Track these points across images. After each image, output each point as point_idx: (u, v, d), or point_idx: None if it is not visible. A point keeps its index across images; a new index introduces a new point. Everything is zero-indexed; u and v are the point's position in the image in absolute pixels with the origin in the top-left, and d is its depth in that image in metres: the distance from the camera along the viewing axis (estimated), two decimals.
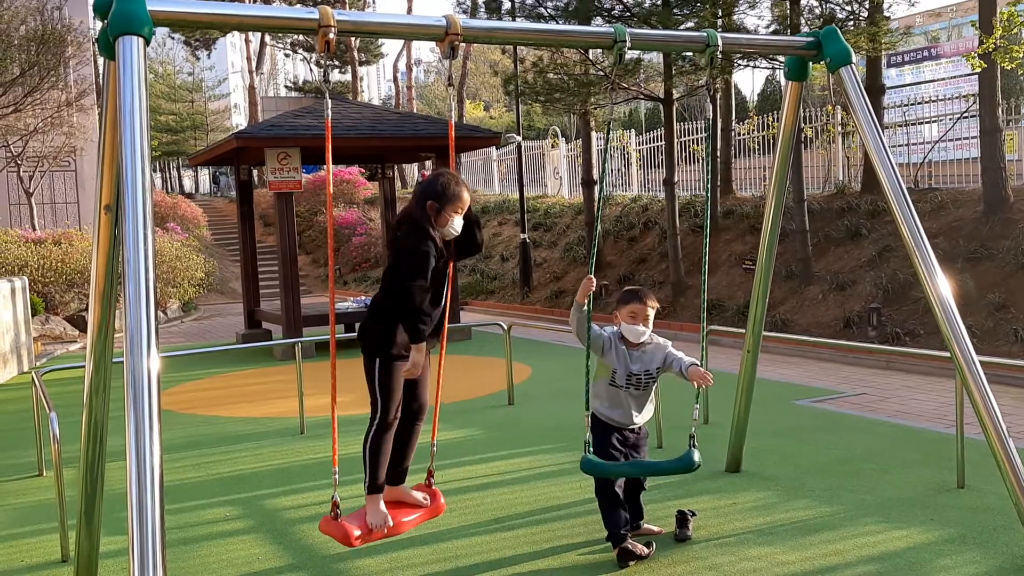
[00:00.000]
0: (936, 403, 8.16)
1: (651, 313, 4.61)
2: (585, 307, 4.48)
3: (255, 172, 22.87)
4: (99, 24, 3.47)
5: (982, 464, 5.48)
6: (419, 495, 4.35)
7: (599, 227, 4.72)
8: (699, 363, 4.51)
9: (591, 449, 4.49)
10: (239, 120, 54.28)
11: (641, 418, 4.65)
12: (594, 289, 4.45)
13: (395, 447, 4.24)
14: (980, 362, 4.58)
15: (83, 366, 4.22)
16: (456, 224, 4.15)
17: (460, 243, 4.28)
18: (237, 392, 10.15)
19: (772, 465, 6.13)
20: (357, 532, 4.00)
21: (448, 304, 4.34)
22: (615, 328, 4.68)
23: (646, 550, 4.49)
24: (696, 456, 4.38)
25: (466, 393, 9.17)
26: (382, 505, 4.14)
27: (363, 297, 16.57)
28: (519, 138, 19.93)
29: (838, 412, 7.93)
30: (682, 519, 4.88)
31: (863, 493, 5.48)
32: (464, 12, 17.01)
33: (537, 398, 8.97)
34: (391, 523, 4.09)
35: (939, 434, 6.92)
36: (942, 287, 4.59)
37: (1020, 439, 6.66)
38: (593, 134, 18.81)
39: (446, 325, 4.38)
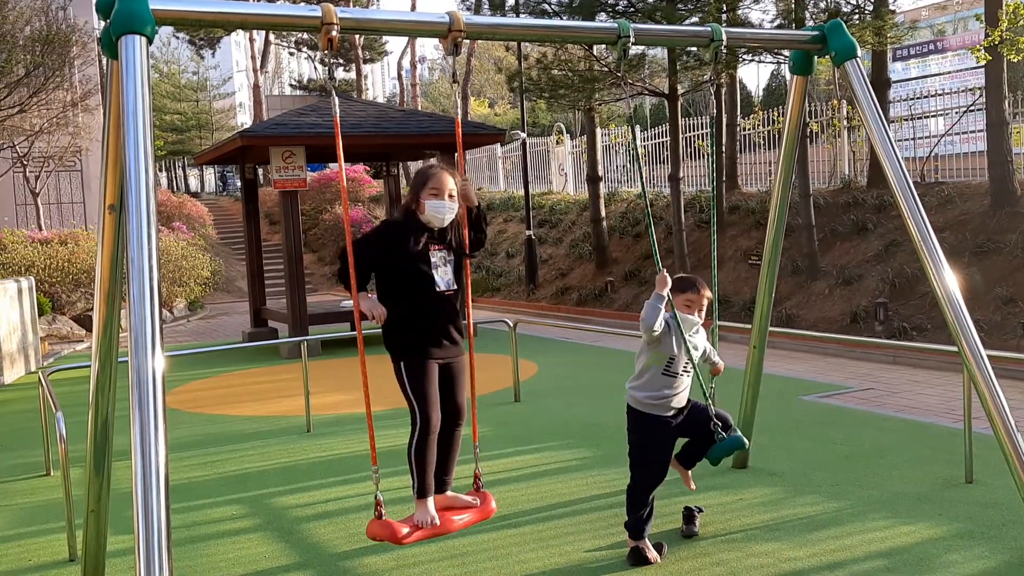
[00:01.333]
0: (944, 397, 8.13)
1: (706, 303, 4.55)
2: (666, 298, 4.39)
3: (260, 170, 22.93)
4: (103, 24, 3.47)
5: (990, 459, 5.46)
6: (468, 498, 4.30)
7: (652, 230, 4.71)
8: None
9: (722, 435, 4.46)
10: (244, 119, 54.34)
11: (686, 401, 4.56)
12: (669, 283, 4.42)
13: (445, 454, 4.21)
14: (988, 356, 4.55)
15: (89, 366, 4.23)
16: (436, 207, 4.09)
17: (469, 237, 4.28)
18: (243, 391, 10.16)
19: (779, 461, 6.12)
20: (405, 530, 3.97)
21: (467, 300, 4.31)
22: (669, 314, 4.50)
23: (659, 558, 4.45)
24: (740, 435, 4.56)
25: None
26: (431, 505, 4.10)
27: (371, 295, 16.56)
28: (523, 135, 19.90)
29: (845, 407, 7.91)
30: (689, 515, 4.88)
31: (870, 488, 5.46)
32: (468, 8, 16.99)
33: (544, 395, 8.96)
34: (438, 521, 4.05)
35: (947, 429, 6.89)
36: (949, 281, 4.56)
37: None
38: (598, 130, 18.77)
39: (470, 322, 4.29)
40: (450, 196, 4.13)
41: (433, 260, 4.12)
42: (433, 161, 4.29)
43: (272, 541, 5.04)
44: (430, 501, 4.11)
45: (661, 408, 4.48)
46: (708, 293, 4.57)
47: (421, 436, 4.05)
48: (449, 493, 4.29)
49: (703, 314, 4.56)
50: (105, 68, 3.74)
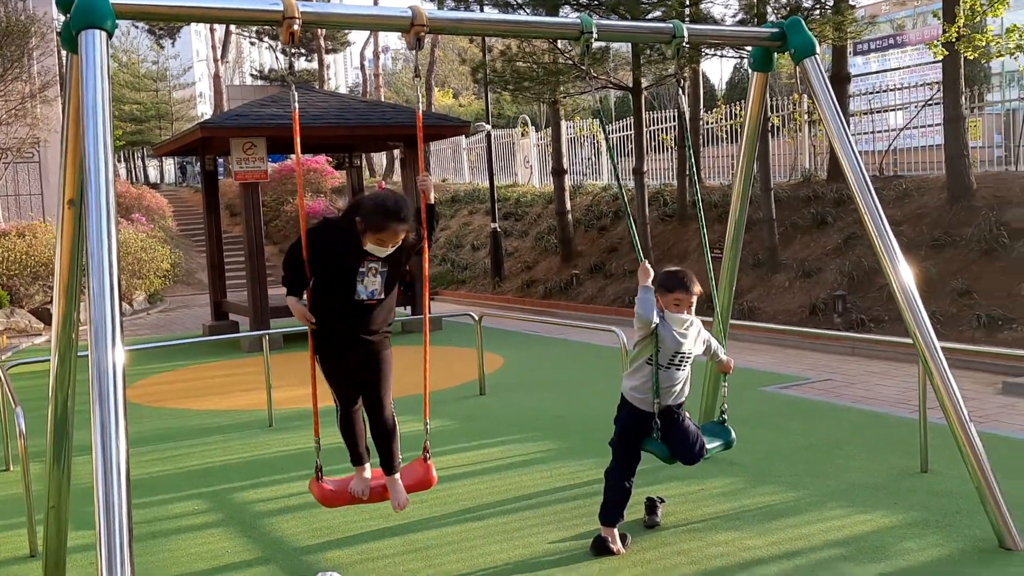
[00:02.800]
0: (900, 388, 8.28)
1: (695, 300, 4.54)
2: (654, 291, 4.48)
3: (221, 161, 22.66)
4: (63, 18, 3.43)
5: (945, 448, 5.56)
6: (402, 497, 4.34)
7: (630, 216, 4.77)
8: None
9: (660, 434, 4.50)
10: (205, 109, 53.65)
11: (678, 398, 4.58)
12: (652, 273, 4.52)
13: (374, 439, 4.34)
14: (942, 348, 4.65)
15: (48, 360, 4.18)
16: (376, 251, 4.06)
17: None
18: (204, 385, 10.08)
19: (740, 452, 6.16)
20: (332, 488, 4.27)
21: (424, 292, 4.50)
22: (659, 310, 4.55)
23: (623, 549, 4.51)
24: (732, 435, 4.77)
25: (437, 384, 9.17)
26: (365, 474, 4.36)
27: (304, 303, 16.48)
28: (488, 127, 19.88)
29: (804, 398, 8.04)
30: (651, 506, 4.94)
31: (828, 478, 5.56)
32: (432, 1, 16.92)
33: (509, 388, 9.00)
34: (366, 495, 4.29)
35: (903, 419, 7.03)
36: (904, 275, 4.66)
37: (982, 423, 6.79)
38: (563, 123, 18.80)
39: (426, 314, 4.49)
40: (393, 245, 4.07)
41: (362, 270, 4.10)
42: (390, 194, 4.17)
43: (234, 536, 5.03)
44: (364, 470, 4.37)
45: (645, 403, 4.54)
46: (698, 289, 4.56)
47: (338, 415, 4.38)
48: (395, 478, 4.35)
49: (693, 311, 4.55)
50: (65, 61, 3.69)
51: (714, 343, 4.77)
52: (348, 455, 4.40)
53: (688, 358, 4.56)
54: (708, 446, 4.63)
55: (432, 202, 4.24)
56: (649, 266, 4.53)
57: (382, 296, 4.18)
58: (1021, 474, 5.47)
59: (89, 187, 3.11)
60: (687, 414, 4.65)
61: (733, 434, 4.82)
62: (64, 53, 3.68)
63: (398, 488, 4.34)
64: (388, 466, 4.35)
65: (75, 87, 3.48)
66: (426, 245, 4.28)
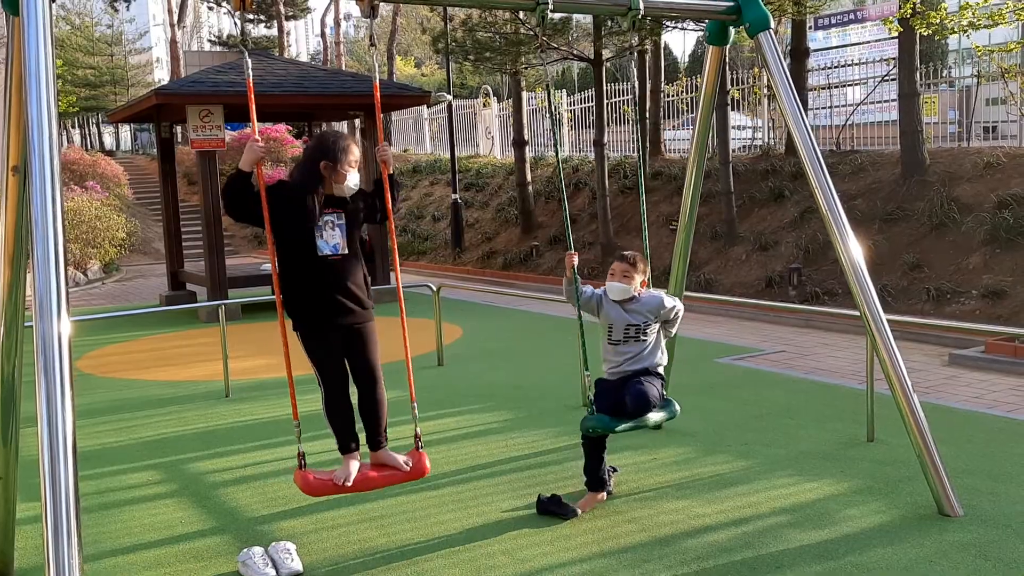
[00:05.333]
0: (851, 360, 8.44)
1: (632, 271, 4.68)
2: (573, 281, 4.66)
3: (179, 129, 22.27)
4: None
5: (891, 419, 5.68)
6: (402, 459, 4.30)
7: (566, 208, 4.85)
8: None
9: (594, 409, 4.58)
10: (162, 75, 52.66)
11: (642, 365, 4.66)
12: (576, 262, 4.66)
13: (363, 414, 4.28)
14: (889, 321, 4.75)
15: None
16: (352, 179, 4.12)
17: (371, 204, 4.28)
18: (160, 355, 9.98)
19: (693, 422, 6.29)
20: (317, 480, 4.12)
21: (395, 263, 4.43)
22: (603, 288, 4.79)
23: (577, 512, 4.62)
24: (676, 406, 4.85)
25: (396, 354, 9.14)
26: (352, 464, 4.18)
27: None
28: (449, 97, 19.75)
29: (758, 369, 8.17)
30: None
31: (778, 447, 5.67)
32: None
33: (467, 359, 9.03)
34: (350, 482, 4.11)
35: (853, 390, 7.18)
36: (853, 250, 4.74)
37: (928, 395, 6.97)
38: (524, 94, 18.74)
39: (399, 285, 4.41)
40: (357, 164, 4.15)
41: (319, 224, 4.07)
42: (331, 130, 4.23)
43: (188, 506, 5.01)
44: (352, 460, 4.20)
45: (608, 373, 4.74)
46: (636, 264, 4.71)
47: (326, 399, 4.24)
48: (384, 451, 4.33)
49: (633, 282, 4.68)
50: (6, 24, 3.60)
51: (677, 309, 4.80)
52: (337, 441, 4.24)
53: (645, 328, 4.68)
54: (654, 416, 4.67)
55: (392, 172, 4.25)
56: (572, 256, 4.65)
57: (345, 251, 4.13)
58: (962, 443, 5.63)
59: (32, 153, 3.06)
60: (656, 379, 4.71)
61: (676, 405, 4.87)
62: (6, 16, 3.59)
63: (394, 456, 4.29)
64: (377, 441, 4.30)
65: (17, 51, 3.40)
66: (391, 216, 4.26)
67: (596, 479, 4.77)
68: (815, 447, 5.66)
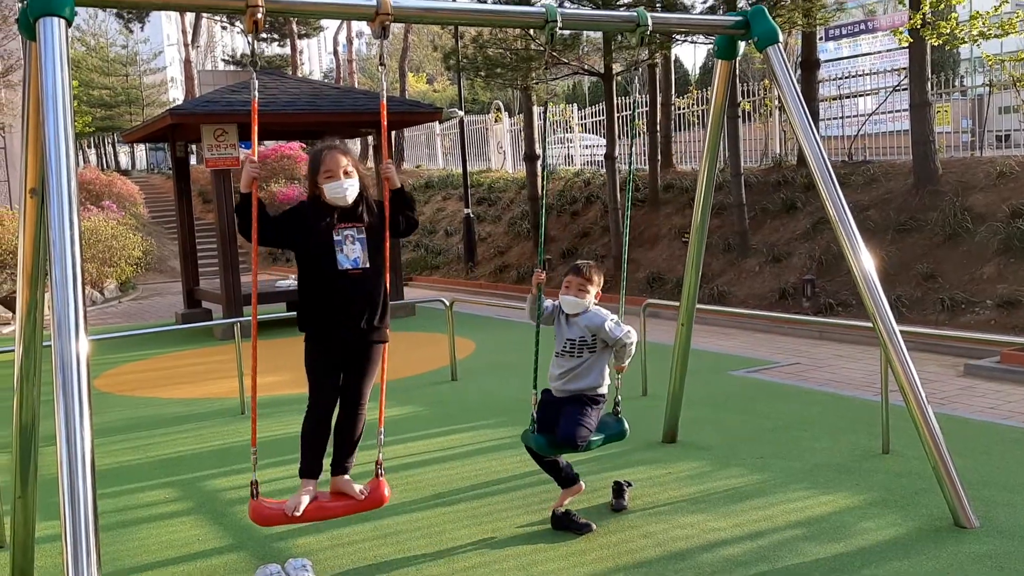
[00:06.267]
0: (865, 371, 8.41)
1: (588, 286, 4.64)
2: (537, 299, 4.71)
3: (193, 148, 22.44)
4: (20, 4, 3.41)
5: (906, 430, 5.65)
6: (358, 487, 4.21)
7: (544, 226, 4.85)
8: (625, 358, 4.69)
9: (535, 427, 4.60)
10: (176, 94, 53.06)
11: (576, 385, 4.62)
12: (543, 280, 4.67)
13: (337, 434, 4.24)
14: (903, 332, 4.75)
15: (13, 350, 4.17)
16: (334, 188, 4.04)
17: (392, 219, 4.23)
18: (176, 373, 10.05)
19: (707, 435, 6.29)
20: (268, 510, 4.07)
21: (390, 281, 4.30)
22: (554, 301, 4.79)
23: (592, 527, 4.61)
24: (625, 425, 4.78)
25: (409, 370, 9.21)
26: (306, 490, 4.11)
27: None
28: (461, 113, 19.85)
29: (772, 382, 8.15)
30: (618, 489, 5.01)
31: (792, 460, 5.66)
32: None
33: (480, 373, 9.04)
34: (299, 512, 4.02)
35: (867, 401, 7.15)
36: (865, 261, 4.74)
37: (943, 406, 6.94)
38: (535, 108, 18.82)
39: (384, 303, 4.22)
40: (345, 174, 4.05)
41: (337, 238, 4.06)
42: (327, 141, 4.23)
43: (205, 524, 5.04)
44: (311, 485, 4.14)
45: (551, 386, 4.74)
46: (590, 276, 4.66)
47: (308, 417, 4.21)
48: (344, 478, 4.25)
49: (587, 296, 4.64)
50: (24, 49, 3.67)
51: (624, 339, 4.59)
52: (300, 462, 4.16)
53: (582, 346, 4.61)
54: (592, 438, 4.58)
55: (398, 186, 4.18)
56: (539, 273, 4.65)
57: (367, 265, 4.09)
58: (978, 455, 5.60)
59: (50, 175, 3.11)
60: (594, 406, 4.63)
61: (626, 425, 4.79)
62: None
63: (352, 485, 4.21)
64: (343, 467, 4.24)
65: (34, 76, 3.46)
66: (388, 232, 4.18)
67: (560, 478, 4.79)
68: (830, 459, 5.64)
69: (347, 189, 4.05)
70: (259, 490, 4.05)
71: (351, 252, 4.08)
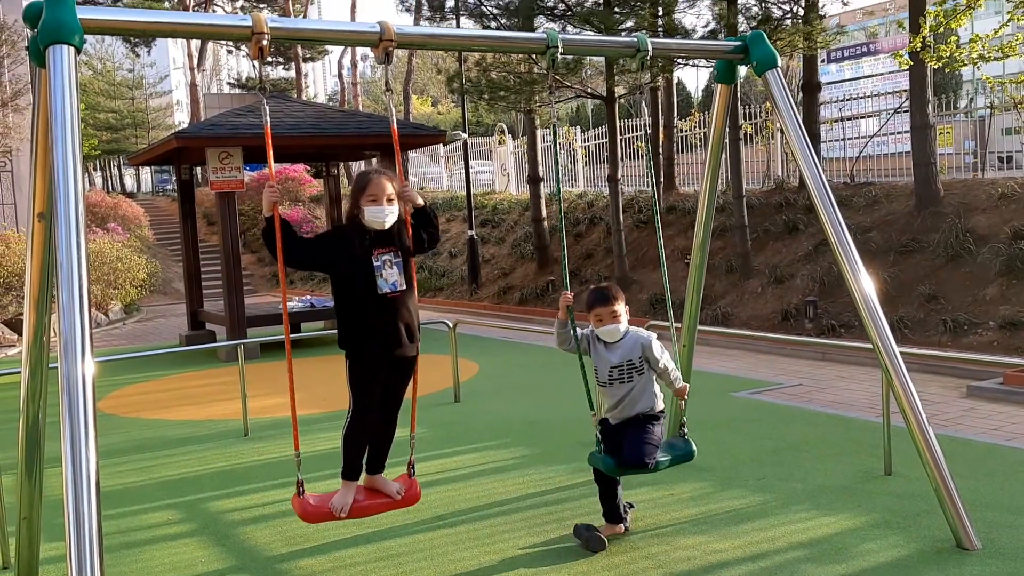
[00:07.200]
0: (868, 393, 8.41)
1: (619, 309, 4.64)
2: (568, 324, 4.72)
3: (198, 170, 22.58)
4: (30, 32, 3.47)
5: (908, 451, 5.66)
6: (395, 486, 4.48)
7: (564, 245, 4.90)
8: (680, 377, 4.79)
9: (601, 447, 4.62)
10: (182, 117, 53.42)
11: (634, 410, 4.62)
12: (571, 301, 4.68)
13: (375, 440, 4.45)
14: (905, 353, 4.77)
15: (20, 372, 4.21)
16: (375, 212, 4.19)
17: (416, 236, 4.39)
18: (180, 395, 10.07)
19: (709, 456, 6.29)
20: (314, 507, 4.25)
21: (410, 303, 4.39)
22: (591, 328, 4.73)
23: (604, 545, 4.65)
24: (693, 447, 4.81)
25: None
26: (351, 490, 4.33)
27: (308, 296, 16.51)
28: (465, 135, 19.98)
29: (775, 403, 8.15)
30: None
31: (794, 481, 5.66)
32: (408, 11, 17.00)
33: (484, 395, 9.06)
34: (345, 513, 4.26)
35: (869, 423, 7.15)
36: (865, 284, 4.77)
37: (945, 427, 6.93)
38: (539, 131, 18.94)
39: (417, 320, 4.39)
40: (388, 200, 4.23)
41: (376, 264, 4.22)
42: (373, 164, 4.41)
43: (208, 545, 5.06)
44: (353, 486, 4.36)
45: (607, 415, 4.72)
46: (618, 302, 4.64)
47: (353, 423, 4.37)
48: (380, 476, 4.51)
49: (621, 320, 4.65)
50: (33, 74, 3.73)
51: (667, 363, 4.67)
52: (343, 465, 4.36)
53: (630, 370, 4.62)
54: (660, 458, 4.61)
55: (421, 204, 4.39)
56: (568, 297, 4.66)
57: (403, 287, 4.29)
58: (981, 477, 5.60)
59: (58, 200, 3.15)
60: (655, 423, 4.68)
61: (693, 446, 4.83)
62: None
63: (387, 483, 4.48)
64: (379, 465, 4.51)
65: (43, 102, 3.52)
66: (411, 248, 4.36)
67: (611, 510, 4.80)
68: (832, 481, 5.65)
69: (387, 216, 4.22)
70: (304, 489, 4.23)
71: (389, 276, 4.25)
